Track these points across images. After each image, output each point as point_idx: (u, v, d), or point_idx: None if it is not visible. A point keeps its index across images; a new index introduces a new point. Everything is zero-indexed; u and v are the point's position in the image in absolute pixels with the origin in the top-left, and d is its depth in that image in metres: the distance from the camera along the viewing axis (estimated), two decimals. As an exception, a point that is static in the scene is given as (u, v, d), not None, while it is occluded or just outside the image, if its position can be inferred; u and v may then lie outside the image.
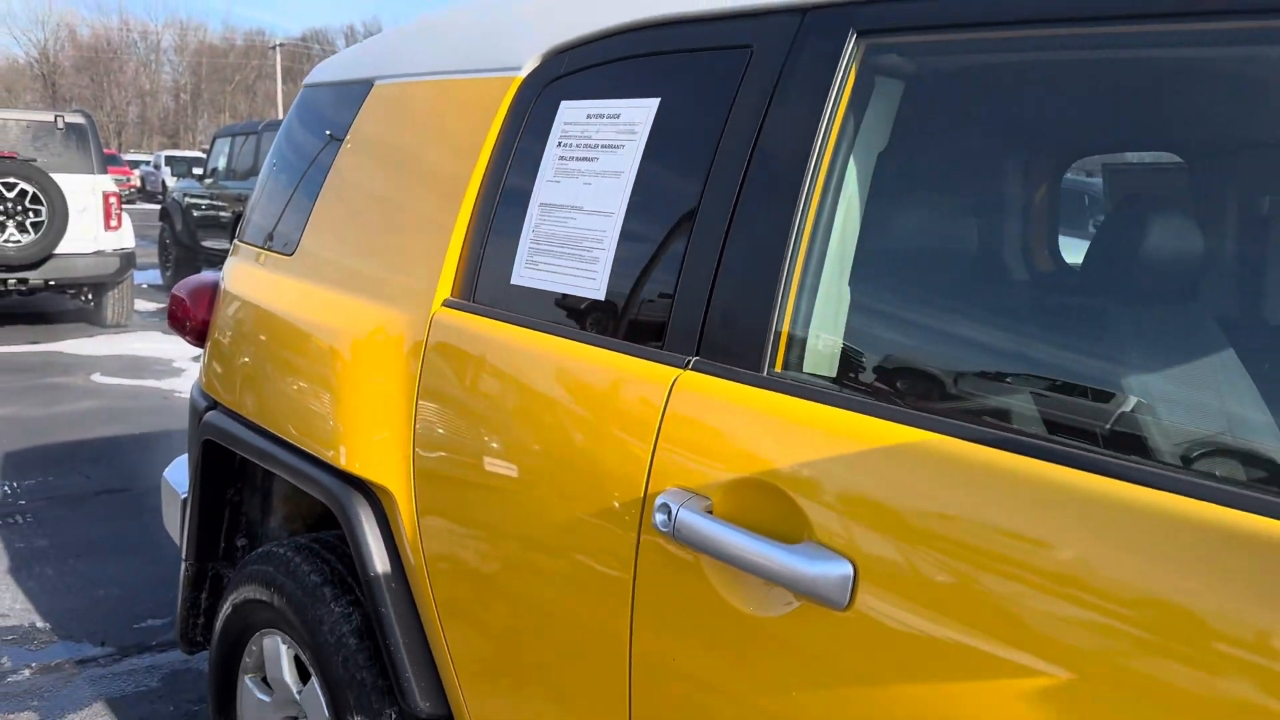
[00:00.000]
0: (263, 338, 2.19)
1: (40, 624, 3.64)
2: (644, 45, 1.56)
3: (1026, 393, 1.13)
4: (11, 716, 3.04)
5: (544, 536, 1.50)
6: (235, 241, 2.61)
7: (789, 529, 1.19)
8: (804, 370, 1.30)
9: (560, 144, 1.64)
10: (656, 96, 1.51)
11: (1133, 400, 1.08)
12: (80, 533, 4.50)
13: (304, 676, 2.17)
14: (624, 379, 1.42)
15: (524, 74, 1.77)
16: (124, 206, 9.65)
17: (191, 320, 2.53)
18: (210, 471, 2.45)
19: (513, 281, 1.67)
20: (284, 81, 77.42)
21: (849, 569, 1.12)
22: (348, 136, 2.17)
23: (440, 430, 1.71)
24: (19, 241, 8.80)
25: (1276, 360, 1.25)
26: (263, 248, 2.40)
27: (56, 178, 8.98)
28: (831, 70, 1.31)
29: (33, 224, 8.84)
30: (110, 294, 9.69)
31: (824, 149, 1.30)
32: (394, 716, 1.88)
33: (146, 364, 8.31)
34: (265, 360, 2.16)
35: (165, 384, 7.58)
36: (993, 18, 1.17)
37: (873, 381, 1.26)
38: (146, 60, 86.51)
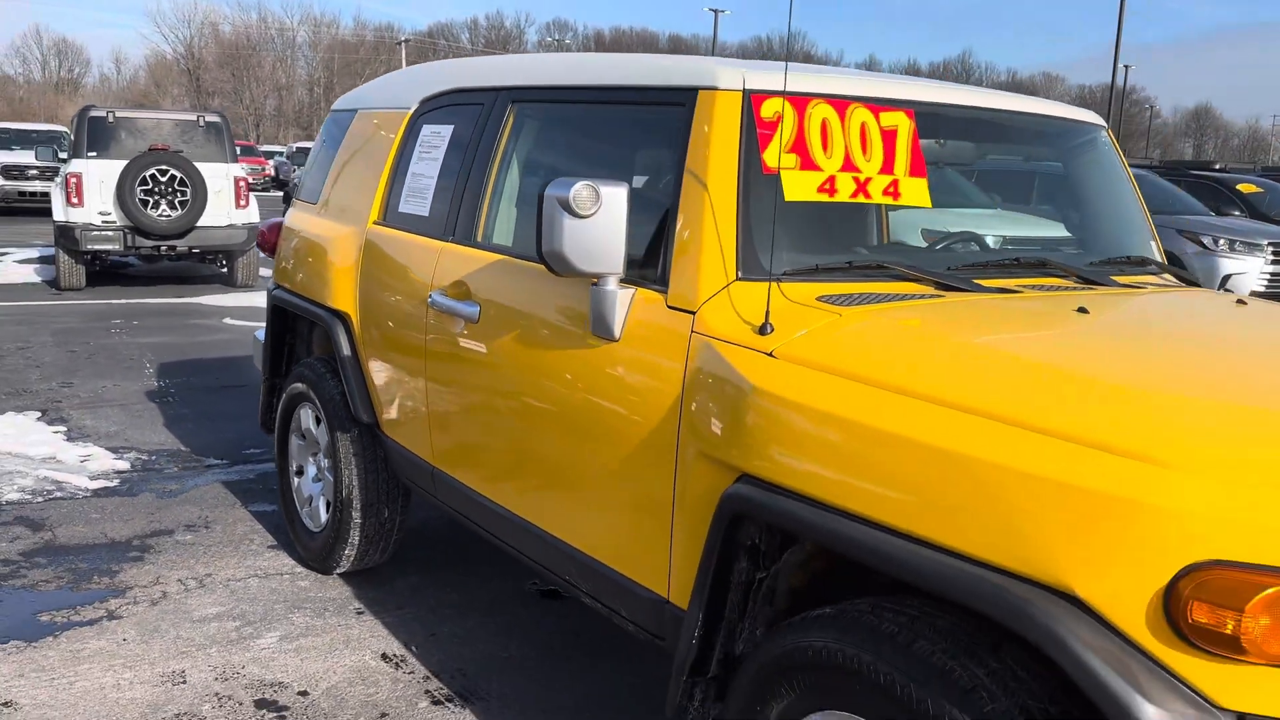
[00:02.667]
0: (299, 245, 4.15)
1: (183, 448, 5.71)
2: (449, 100, 3.45)
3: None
4: (168, 484, 5.08)
5: (398, 320, 3.40)
6: (294, 199, 4.58)
7: (467, 298, 3.06)
8: (490, 240, 3.16)
9: (420, 144, 3.54)
10: (452, 124, 3.40)
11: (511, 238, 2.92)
12: (210, 407, 6.60)
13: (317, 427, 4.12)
14: (426, 248, 3.31)
15: (412, 110, 3.67)
16: (259, 194, 11.90)
17: (269, 241, 4.52)
18: (277, 325, 4.43)
19: (399, 210, 3.58)
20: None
21: (478, 308, 2.99)
22: (344, 138, 4.11)
23: (368, 280, 3.62)
24: (169, 216, 11.11)
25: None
26: (303, 201, 4.37)
27: (198, 165, 11.26)
28: (505, 114, 3.17)
29: (180, 202, 11.14)
30: (239, 259, 11.98)
31: (499, 144, 3.16)
32: (354, 429, 3.80)
33: (265, 312, 10.53)
34: (301, 256, 4.12)
35: (277, 325, 9.76)
36: (547, 98, 3.02)
37: (504, 242, 3.11)
38: (283, 55, 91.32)
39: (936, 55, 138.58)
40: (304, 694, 3.25)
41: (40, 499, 4.84)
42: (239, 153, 12.58)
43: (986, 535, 1.71)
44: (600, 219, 2.37)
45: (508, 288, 2.90)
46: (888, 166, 2.52)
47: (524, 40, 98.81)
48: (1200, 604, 1.51)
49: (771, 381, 2.09)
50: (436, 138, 3.47)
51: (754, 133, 2.43)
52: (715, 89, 2.47)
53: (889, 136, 2.55)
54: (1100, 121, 3.25)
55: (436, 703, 3.23)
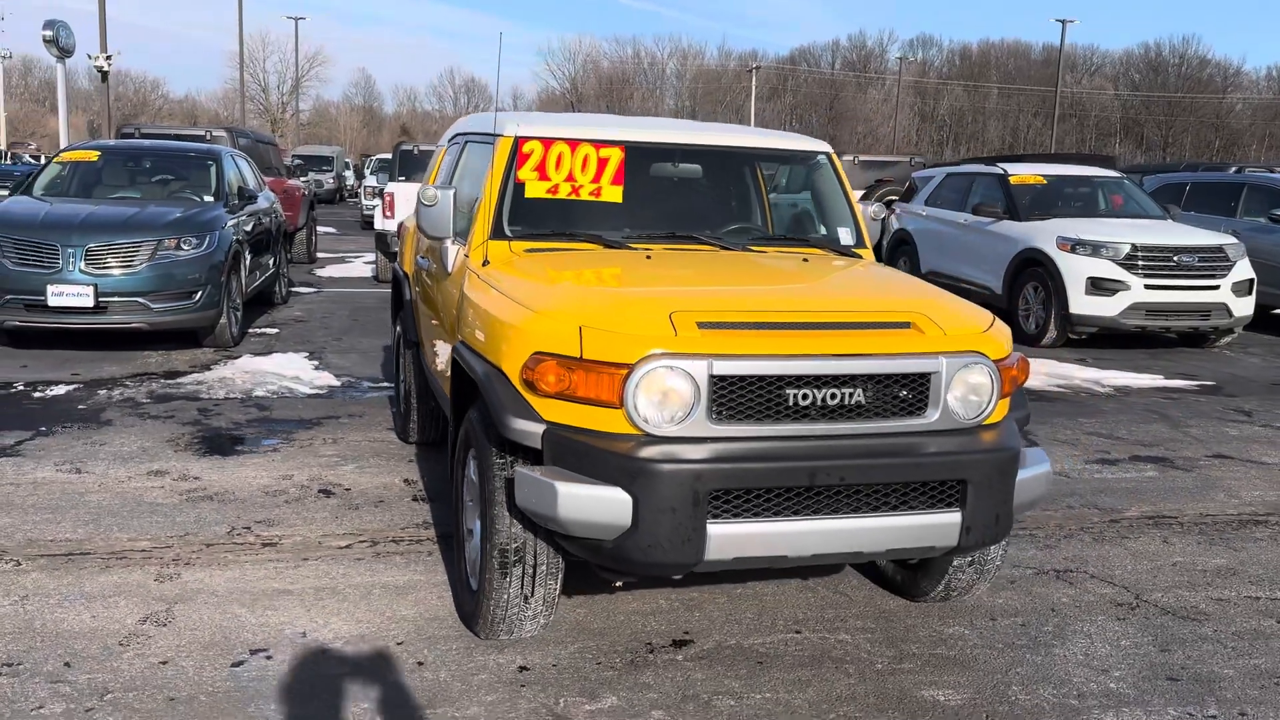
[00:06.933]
0: (400, 234, 6.52)
1: (379, 376, 8.30)
2: (457, 140, 5.65)
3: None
4: (355, 394, 7.63)
5: (415, 275, 5.64)
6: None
7: (424, 257, 5.23)
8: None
9: (443, 166, 5.76)
10: (452, 154, 5.59)
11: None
12: (418, 357, 9.20)
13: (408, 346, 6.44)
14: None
15: (445, 145, 5.90)
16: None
17: (397, 235, 6.97)
18: (396, 291, 6.82)
19: (431, 208, 5.82)
20: (768, 100, 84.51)
21: (429, 262, 5.15)
22: (431, 161, 6.43)
23: (412, 252, 5.89)
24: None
25: None
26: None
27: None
28: (464, 147, 5.32)
29: (463, 214, 14.17)
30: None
31: (457, 165, 5.31)
32: (412, 349, 6.07)
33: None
34: (400, 241, 6.48)
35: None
36: (469, 140, 5.15)
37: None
38: (653, 88, 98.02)
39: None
40: (347, 490, 5.55)
41: (274, 397, 7.56)
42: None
43: (491, 348, 3.65)
44: (438, 207, 4.44)
45: (432, 249, 5.04)
46: (597, 179, 4.41)
47: (885, 59, 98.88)
48: (529, 370, 3.38)
49: (470, 288, 4.10)
50: (451, 157, 5.68)
51: (514, 160, 4.42)
52: (503, 135, 4.48)
53: (603, 162, 4.43)
54: (824, 148, 4.88)
55: (415, 499, 5.42)
